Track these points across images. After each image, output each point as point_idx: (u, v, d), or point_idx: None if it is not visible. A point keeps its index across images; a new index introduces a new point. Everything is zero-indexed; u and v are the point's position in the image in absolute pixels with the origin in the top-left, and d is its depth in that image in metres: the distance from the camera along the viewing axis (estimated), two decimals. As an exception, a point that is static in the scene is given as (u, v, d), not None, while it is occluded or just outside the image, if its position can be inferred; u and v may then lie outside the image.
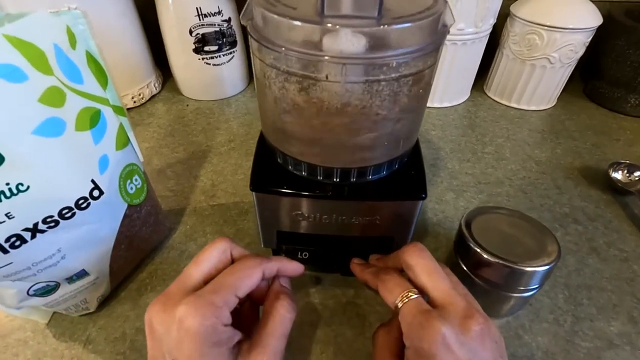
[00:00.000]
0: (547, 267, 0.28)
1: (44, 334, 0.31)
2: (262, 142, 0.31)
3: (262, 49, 0.23)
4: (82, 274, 0.30)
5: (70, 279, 0.29)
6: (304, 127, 0.25)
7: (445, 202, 0.44)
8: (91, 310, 0.32)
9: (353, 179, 0.28)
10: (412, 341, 0.22)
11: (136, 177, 0.33)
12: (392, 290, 0.24)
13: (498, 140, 0.54)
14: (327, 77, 0.22)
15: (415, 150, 0.31)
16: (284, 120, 0.26)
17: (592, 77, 0.63)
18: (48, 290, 0.29)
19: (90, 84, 0.28)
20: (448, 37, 0.53)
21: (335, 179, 0.28)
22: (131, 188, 0.32)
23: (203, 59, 0.57)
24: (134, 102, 0.59)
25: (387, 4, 0.22)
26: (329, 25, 0.21)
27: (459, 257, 0.32)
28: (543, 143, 0.54)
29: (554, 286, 0.35)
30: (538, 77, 0.57)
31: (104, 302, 0.33)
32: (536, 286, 0.30)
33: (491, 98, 0.63)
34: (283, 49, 0.22)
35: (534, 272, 0.28)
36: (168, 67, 0.62)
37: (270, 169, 0.29)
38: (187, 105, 0.61)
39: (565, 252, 0.38)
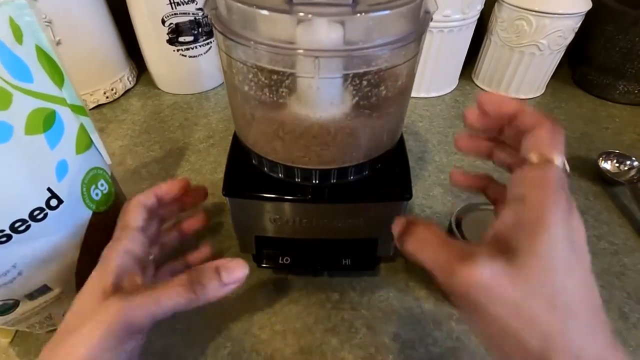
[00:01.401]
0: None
1: (8, 354, 0.29)
2: (236, 142, 0.29)
3: (227, 42, 0.21)
4: (44, 289, 0.27)
5: (31, 296, 0.27)
6: (278, 126, 0.23)
7: (432, 198, 0.42)
8: (58, 326, 0.30)
9: (333, 180, 0.26)
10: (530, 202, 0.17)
11: (102, 181, 0.31)
12: (542, 139, 0.18)
13: (486, 131, 0.52)
14: (299, 72, 0.20)
15: (400, 146, 0.30)
16: (256, 118, 0.24)
17: (580, 63, 0.62)
18: (6, 308, 0.26)
19: (42, 82, 0.25)
20: (434, 24, 0.51)
21: (314, 181, 0.26)
22: (96, 194, 0.30)
23: (178, 50, 0.54)
24: (107, 97, 0.56)
25: None
26: (300, 14, 0.19)
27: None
28: (532, 133, 0.52)
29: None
30: (527, 65, 0.55)
31: (73, 316, 0.31)
32: (527, 287, 0.28)
33: (479, 87, 0.62)
34: (252, 42, 0.20)
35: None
36: (142, 60, 0.59)
37: (244, 172, 0.28)
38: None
39: (555, 246, 0.37)
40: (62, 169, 0.26)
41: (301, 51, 0.19)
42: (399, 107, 0.26)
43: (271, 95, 0.22)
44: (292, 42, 0.19)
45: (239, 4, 0.19)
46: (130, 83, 0.59)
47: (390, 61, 0.21)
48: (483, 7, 0.53)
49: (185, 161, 0.47)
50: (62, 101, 0.27)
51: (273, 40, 0.19)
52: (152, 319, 0.21)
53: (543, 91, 0.60)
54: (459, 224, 0.30)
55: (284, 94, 0.22)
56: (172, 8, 0.50)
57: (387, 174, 0.28)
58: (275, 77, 0.21)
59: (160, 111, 0.55)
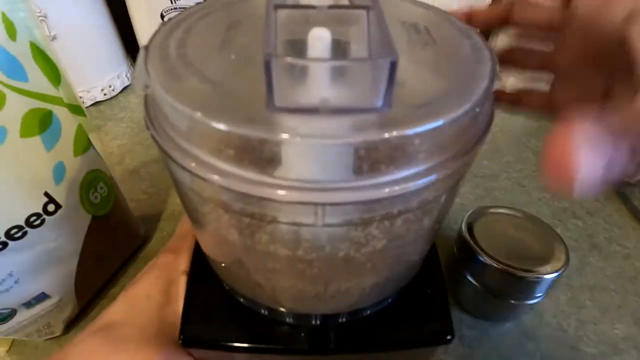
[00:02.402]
0: (556, 274, 0.26)
1: (4, 363, 0.28)
2: (199, 256, 0.21)
3: (168, 161, 0.13)
4: (42, 297, 0.26)
5: (29, 304, 0.26)
6: (255, 272, 0.17)
7: (440, 199, 0.41)
8: (57, 334, 0.29)
9: (342, 320, 0.19)
10: None
11: (101, 184, 0.29)
12: None
13: (492, 130, 0.51)
14: (289, 219, 0.13)
15: (431, 257, 0.21)
16: (222, 257, 0.18)
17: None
18: (2, 318, 0.25)
19: (38, 81, 0.24)
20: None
21: (314, 322, 0.19)
22: (95, 197, 0.29)
23: (178, 46, 0.52)
24: (105, 94, 0.55)
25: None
26: (283, 135, 0.11)
27: (461, 263, 0.29)
28: (539, 132, 0.51)
29: (556, 287, 0.33)
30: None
31: (72, 324, 0.30)
32: (541, 294, 0.28)
33: (485, 84, 0.60)
34: (212, 176, 0.12)
35: (543, 280, 0.26)
36: (140, 55, 0.57)
37: (212, 301, 0.20)
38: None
39: (566, 249, 0.36)
40: (59, 172, 0.25)
41: (283, 193, 0.11)
42: (437, 228, 0.18)
43: (242, 239, 0.14)
44: (273, 175, 0.11)
45: (179, 105, 0.11)
46: (128, 80, 0.58)
47: (438, 189, 0.13)
48: None
49: (186, 161, 0.45)
50: (59, 101, 0.26)
51: (241, 167, 0.11)
52: None
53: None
54: (471, 230, 0.29)
55: (263, 240, 0.14)
56: (172, 2, 0.48)
57: (416, 297, 0.20)
58: (247, 220, 0.13)
59: (160, 109, 0.54)
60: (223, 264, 0.18)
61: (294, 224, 0.13)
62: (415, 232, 0.15)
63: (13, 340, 0.29)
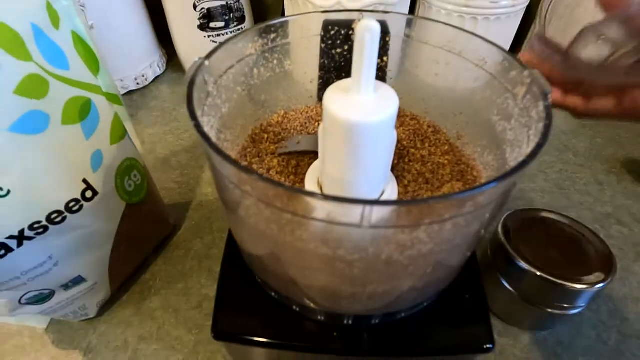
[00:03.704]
0: (602, 284, 0.24)
1: (43, 341, 0.29)
2: (232, 249, 0.21)
3: (209, 152, 0.13)
4: (79, 280, 0.27)
5: (66, 286, 0.27)
6: (292, 269, 0.17)
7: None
8: (91, 316, 0.30)
9: (375, 321, 0.19)
10: None
11: (135, 172, 0.30)
12: None
13: (531, 128, 0.49)
14: (332, 219, 0.13)
15: (470, 261, 0.21)
16: (262, 254, 0.18)
17: (637, 56, 0.57)
18: (42, 298, 0.26)
19: (79, 69, 0.25)
20: (479, 10, 0.47)
21: (346, 322, 0.19)
22: (130, 185, 0.29)
23: (209, 36, 0.53)
24: (137, 83, 0.56)
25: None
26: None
27: (496, 268, 0.28)
28: (581, 131, 0.49)
29: (596, 298, 0.31)
30: (578, 57, 0.51)
31: (105, 307, 0.31)
32: (584, 304, 0.26)
33: (522, 80, 0.57)
34: (254, 176, 0.12)
35: (587, 290, 0.24)
36: (172, 46, 0.58)
37: (244, 296, 0.20)
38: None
39: (608, 257, 0.34)
40: (97, 159, 0.26)
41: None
42: (484, 233, 0.17)
43: (282, 235, 0.14)
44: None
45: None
46: (160, 69, 0.59)
47: (493, 194, 0.13)
48: (534, -8, 0.49)
49: (214, 151, 0.46)
50: (97, 89, 0.26)
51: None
52: None
53: (594, 86, 0.56)
54: (507, 233, 0.27)
55: (304, 237, 0.14)
56: (205, -8, 0.49)
57: (454, 302, 0.20)
58: (288, 216, 0.13)
59: (190, 99, 0.55)
60: (258, 258, 0.18)
61: (338, 223, 0.12)
62: (463, 236, 0.14)
63: (50, 320, 0.30)
